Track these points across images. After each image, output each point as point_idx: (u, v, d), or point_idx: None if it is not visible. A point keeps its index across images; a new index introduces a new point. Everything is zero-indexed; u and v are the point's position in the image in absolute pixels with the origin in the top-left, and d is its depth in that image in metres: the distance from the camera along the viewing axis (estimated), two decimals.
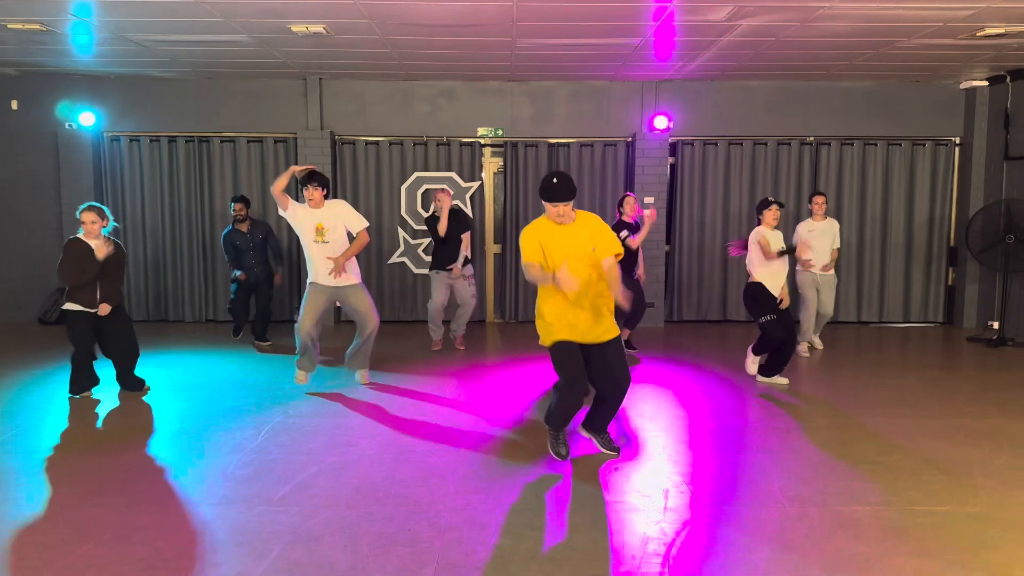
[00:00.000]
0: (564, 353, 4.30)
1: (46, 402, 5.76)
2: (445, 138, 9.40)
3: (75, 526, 3.54)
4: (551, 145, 9.45)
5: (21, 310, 9.44)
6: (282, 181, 5.65)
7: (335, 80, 9.30)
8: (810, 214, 7.73)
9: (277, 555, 3.25)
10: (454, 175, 9.42)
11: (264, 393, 6.02)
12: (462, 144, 9.43)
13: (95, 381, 5.95)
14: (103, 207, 5.76)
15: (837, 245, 7.76)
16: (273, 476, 4.19)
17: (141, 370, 6.22)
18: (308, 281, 5.89)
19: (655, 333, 9.00)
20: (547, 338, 4.37)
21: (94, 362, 5.89)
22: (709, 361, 7.36)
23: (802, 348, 7.60)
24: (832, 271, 7.74)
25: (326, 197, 5.82)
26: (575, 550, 3.32)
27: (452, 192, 8.00)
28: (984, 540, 3.43)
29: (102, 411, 5.57)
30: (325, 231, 5.74)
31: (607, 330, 4.36)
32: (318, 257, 5.77)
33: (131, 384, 6.02)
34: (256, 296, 8.13)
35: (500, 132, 9.41)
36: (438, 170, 9.44)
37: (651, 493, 3.98)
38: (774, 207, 6.26)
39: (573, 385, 4.28)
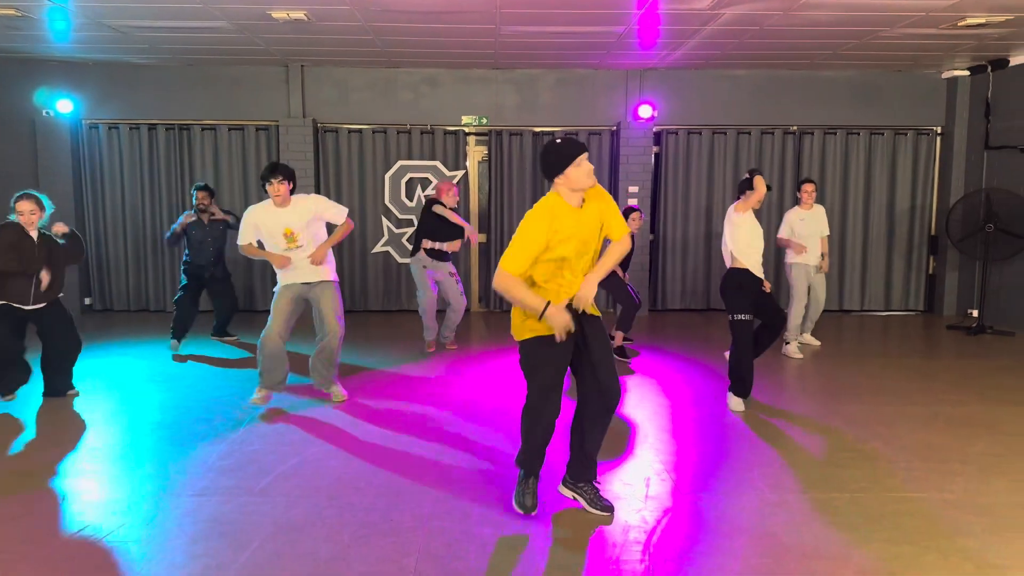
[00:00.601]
0: (543, 351, 3.40)
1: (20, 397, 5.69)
2: (429, 126, 9.35)
3: (51, 518, 3.51)
4: (536, 134, 9.43)
5: None
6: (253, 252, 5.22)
7: (317, 67, 9.22)
8: (798, 202, 7.36)
9: (258, 546, 3.24)
10: (438, 164, 9.37)
11: (246, 384, 5.98)
12: (446, 132, 9.39)
13: (24, 378, 5.45)
14: (42, 196, 5.24)
15: (827, 232, 7.45)
16: (254, 467, 4.17)
17: (122, 360, 6.15)
18: (276, 287, 5.25)
19: (639, 322, 9.02)
20: (523, 330, 3.45)
21: (19, 360, 5.40)
22: (692, 350, 7.39)
23: (791, 349, 7.12)
24: (825, 267, 7.44)
25: (292, 192, 5.10)
26: (557, 538, 3.33)
27: (457, 188, 7.68)
28: (960, 526, 3.47)
29: (75, 403, 5.52)
30: (296, 236, 5.07)
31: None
32: (292, 263, 5.13)
33: (57, 388, 5.52)
34: (212, 296, 7.57)
35: (484, 120, 9.37)
36: (422, 159, 9.39)
37: (633, 482, 4.00)
38: (757, 176, 5.39)
39: (546, 394, 3.43)
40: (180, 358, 6.92)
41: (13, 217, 5.16)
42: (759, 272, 5.38)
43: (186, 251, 7.39)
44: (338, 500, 3.72)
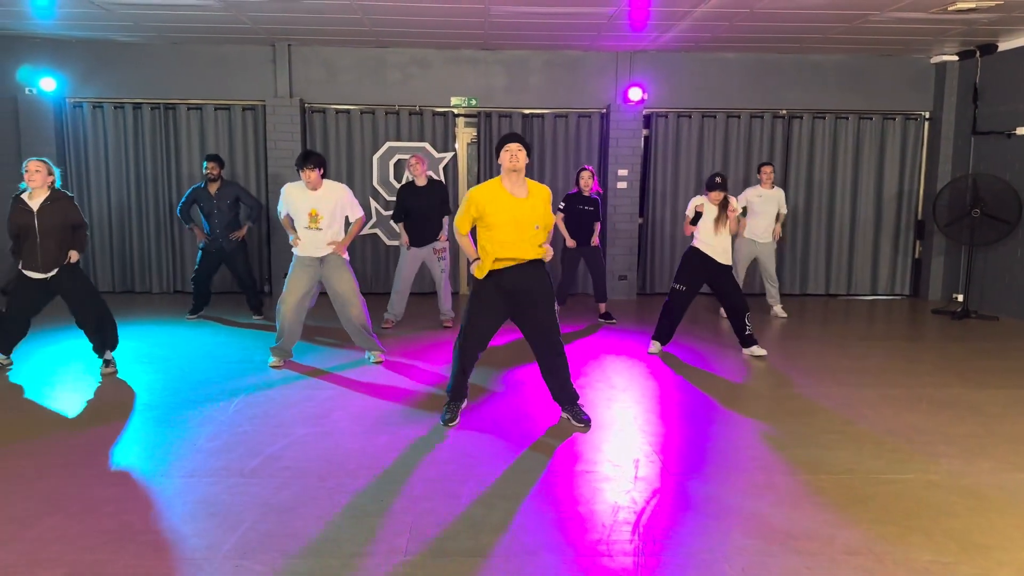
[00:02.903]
0: (482, 302, 4.41)
1: (11, 374, 5.65)
2: (418, 107, 9.28)
3: (41, 498, 3.50)
4: (525, 116, 9.38)
5: None
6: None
7: (304, 47, 9.12)
8: (759, 182, 8.08)
9: (248, 527, 3.24)
10: (427, 145, 9.32)
11: (235, 365, 5.97)
12: (435, 113, 9.33)
13: (9, 346, 5.68)
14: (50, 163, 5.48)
15: (784, 211, 8.17)
16: (244, 448, 4.16)
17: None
18: (294, 256, 5.72)
19: (627, 305, 9.05)
20: (479, 273, 4.39)
21: (16, 330, 5.61)
22: (680, 333, 7.41)
23: (777, 310, 8.23)
24: (772, 240, 8.11)
25: (323, 177, 5.65)
26: (546, 519, 3.35)
27: (426, 160, 7.89)
28: (944, 507, 3.52)
29: (68, 382, 5.48)
30: (319, 218, 5.56)
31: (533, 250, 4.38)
32: (307, 240, 5.62)
33: (95, 348, 5.71)
34: (229, 268, 7.67)
35: (474, 102, 9.31)
36: (410, 140, 9.33)
37: (622, 463, 4.02)
38: (717, 191, 6.18)
39: (468, 337, 4.45)
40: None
41: (23, 185, 5.36)
42: (713, 253, 6.23)
43: (205, 225, 7.52)
44: (328, 481, 3.72)
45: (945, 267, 9.59)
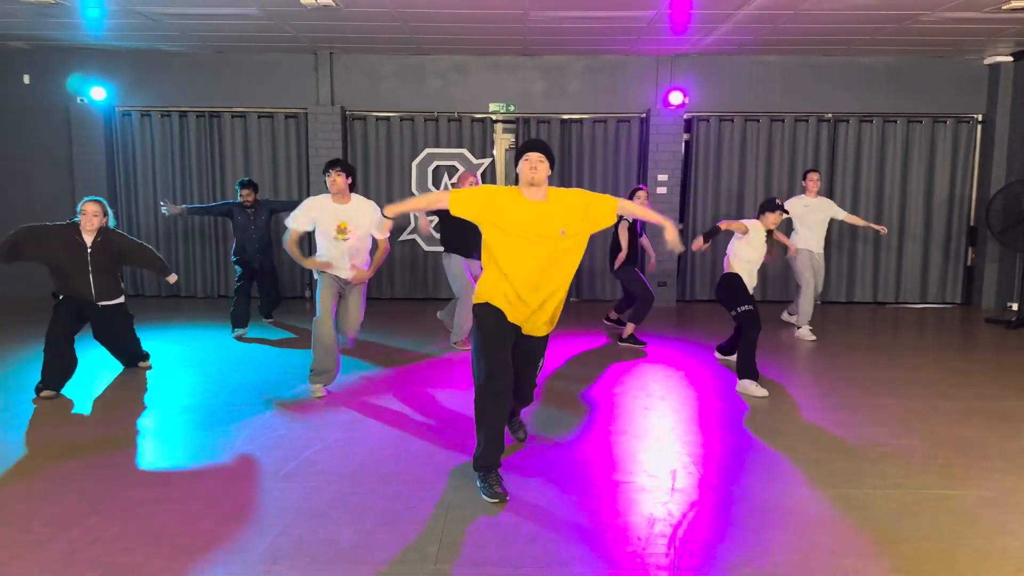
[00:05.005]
0: (493, 329, 3.60)
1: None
2: (456, 114, 9.30)
3: (81, 500, 3.55)
4: (563, 121, 9.33)
5: (34, 285, 9.47)
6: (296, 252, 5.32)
7: (346, 54, 9.21)
8: (803, 191, 7.68)
9: (281, 531, 3.24)
10: (465, 151, 9.33)
11: (274, 369, 6.02)
12: (474, 120, 9.33)
13: (69, 372, 5.35)
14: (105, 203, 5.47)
15: (845, 215, 7.71)
16: (280, 452, 4.18)
17: (152, 345, 6.22)
18: (317, 277, 5.37)
19: (667, 313, 8.93)
20: (483, 295, 3.68)
21: (69, 349, 5.32)
22: (720, 341, 7.27)
23: (804, 332, 7.36)
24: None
25: (352, 189, 5.36)
26: (580, 530, 3.28)
27: (479, 179, 7.70)
28: (999, 524, 3.36)
29: (109, 384, 5.58)
30: (348, 230, 5.26)
31: (545, 326, 3.80)
32: (336, 254, 5.26)
33: (124, 363, 5.96)
34: (259, 287, 7.68)
35: (512, 108, 9.30)
36: (449, 146, 9.35)
37: (659, 474, 3.93)
38: (778, 212, 5.80)
39: (492, 378, 3.55)
40: (241, 338, 7.24)
41: (77, 218, 5.32)
42: (750, 283, 5.80)
43: (234, 243, 7.55)
44: (362, 487, 3.71)
45: (999, 274, 9.26)
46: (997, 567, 2.99)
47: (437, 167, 9.35)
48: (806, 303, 7.40)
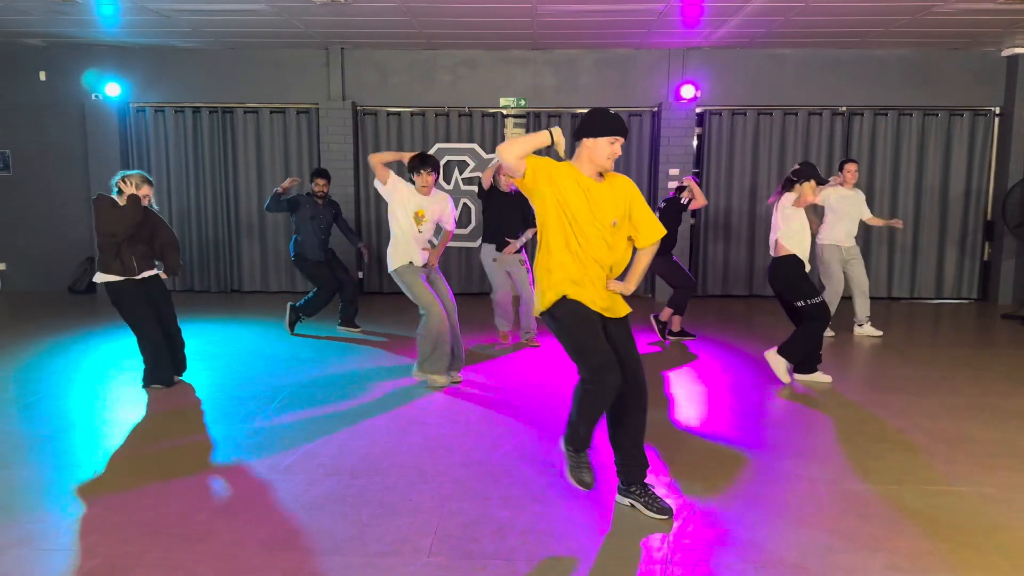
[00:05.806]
0: (580, 321, 3.23)
1: (70, 369, 5.86)
2: (467, 108, 9.30)
3: (79, 490, 3.60)
4: (575, 115, 9.30)
5: (51, 279, 9.62)
6: (388, 156, 5.34)
7: (356, 50, 9.24)
8: (839, 182, 7.07)
9: (277, 523, 3.27)
10: (476, 146, 9.33)
11: (281, 363, 6.06)
12: (484, 115, 9.33)
13: (180, 366, 5.44)
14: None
15: (869, 216, 7.22)
16: (281, 445, 4.21)
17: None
18: (403, 264, 5.30)
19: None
20: (550, 295, 3.30)
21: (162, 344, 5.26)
22: (732, 337, 7.24)
23: (868, 329, 7.19)
24: (856, 244, 7.18)
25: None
26: (572, 522, 3.28)
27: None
28: (1000, 522, 3.32)
29: (119, 382, 5.66)
30: (424, 219, 5.33)
31: (621, 305, 3.43)
32: (413, 240, 5.31)
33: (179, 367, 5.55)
34: (341, 294, 7.14)
35: (523, 102, 9.29)
36: (460, 141, 9.36)
37: (658, 473, 3.91)
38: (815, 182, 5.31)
39: (603, 371, 3.15)
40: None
41: (115, 192, 5.11)
42: (806, 258, 5.34)
43: (293, 238, 7.06)
44: (359, 479, 3.73)
45: (1016, 270, 9.12)
46: (994, 565, 2.95)
47: (448, 162, 9.36)
48: (833, 299, 6.97)
